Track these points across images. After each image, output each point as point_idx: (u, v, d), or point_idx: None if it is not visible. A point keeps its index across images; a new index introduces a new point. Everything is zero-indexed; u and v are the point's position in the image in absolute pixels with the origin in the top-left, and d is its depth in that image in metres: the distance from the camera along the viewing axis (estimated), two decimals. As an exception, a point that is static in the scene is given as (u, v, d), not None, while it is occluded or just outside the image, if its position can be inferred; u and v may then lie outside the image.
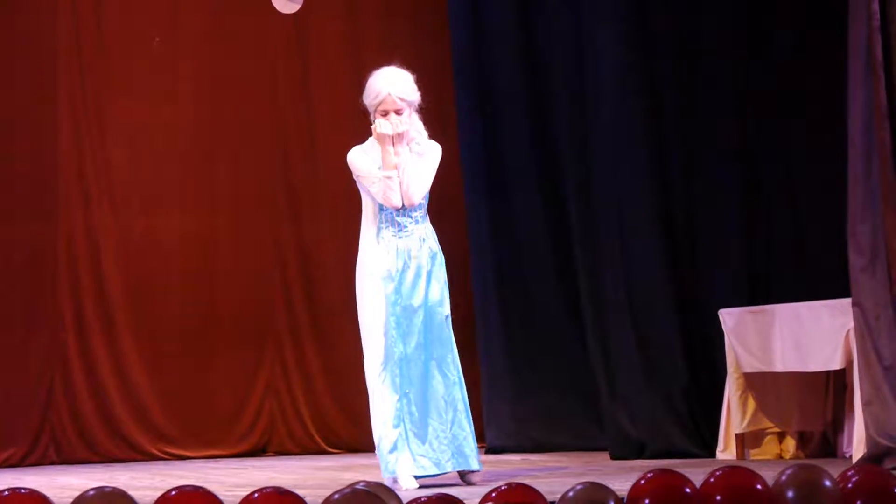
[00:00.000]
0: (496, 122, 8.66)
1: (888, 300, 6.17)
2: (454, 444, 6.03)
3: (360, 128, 9.58)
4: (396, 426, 5.94)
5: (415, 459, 5.96)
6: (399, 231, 6.12)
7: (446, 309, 6.17)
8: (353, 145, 9.59)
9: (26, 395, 8.72)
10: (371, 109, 6.20)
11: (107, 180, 9.05)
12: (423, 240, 6.15)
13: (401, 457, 5.93)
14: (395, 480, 5.90)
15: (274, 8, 6.14)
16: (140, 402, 8.98)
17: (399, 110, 6.13)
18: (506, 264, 8.73)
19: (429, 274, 6.12)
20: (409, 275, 6.07)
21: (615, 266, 8.14)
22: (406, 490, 5.73)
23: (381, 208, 6.13)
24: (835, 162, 6.75)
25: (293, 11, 6.16)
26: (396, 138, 6.13)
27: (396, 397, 5.96)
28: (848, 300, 6.47)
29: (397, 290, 6.04)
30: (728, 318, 7.63)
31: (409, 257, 6.09)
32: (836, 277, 6.78)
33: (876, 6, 6.18)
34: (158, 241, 9.15)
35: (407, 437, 5.96)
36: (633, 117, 8.18)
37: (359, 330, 6.17)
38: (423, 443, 5.98)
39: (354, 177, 6.24)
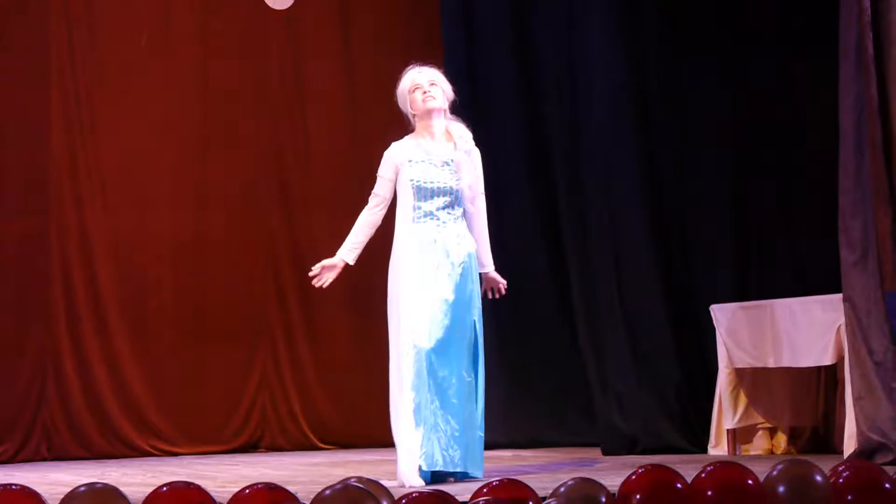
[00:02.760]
0: (488, 122, 8.66)
1: (879, 295, 6.18)
2: (466, 445, 5.92)
3: (352, 124, 9.61)
4: (418, 422, 5.83)
5: (432, 454, 5.83)
6: (437, 225, 6.04)
7: (476, 312, 6.08)
8: (346, 141, 9.63)
9: (18, 391, 8.71)
10: (408, 101, 6.13)
11: (99, 177, 9.03)
12: (459, 237, 6.08)
13: (417, 450, 5.80)
14: (405, 474, 5.80)
15: (266, 5, 6.13)
16: (132, 399, 8.97)
17: (432, 83, 6.08)
18: (498, 262, 8.72)
19: (463, 272, 6.04)
20: (444, 270, 5.98)
21: (607, 263, 8.16)
22: (411, 486, 5.68)
23: (419, 199, 6.04)
24: (826, 157, 6.76)
25: (285, 8, 6.14)
26: (435, 112, 6.08)
27: (425, 388, 5.85)
28: (839, 296, 6.48)
29: (431, 285, 5.94)
30: (720, 313, 7.64)
31: (447, 254, 6.02)
32: (828, 273, 6.79)
33: (867, 3, 6.19)
34: (151, 238, 9.14)
35: (428, 430, 5.83)
36: (624, 117, 8.20)
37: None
38: (443, 438, 5.85)
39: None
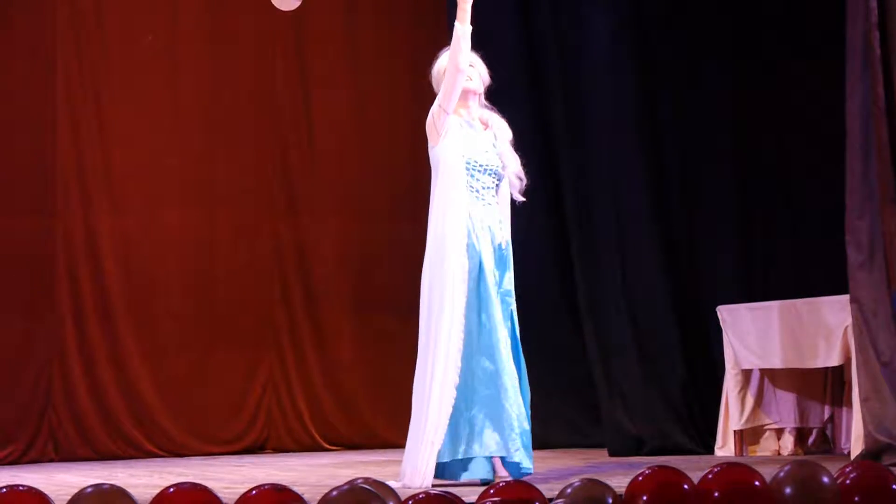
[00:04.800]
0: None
1: (886, 296, 6.17)
2: (517, 433, 5.76)
3: (358, 123, 9.61)
4: (463, 409, 5.70)
5: (484, 441, 5.70)
6: (485, 205, 5.93)
7: (513, 301, 5.97)
8: (352, 142, 9.62)
9: (25, 392, 8.71)
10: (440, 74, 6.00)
11: (106, 177, 9.04)
12: (501, 221, 6.00)
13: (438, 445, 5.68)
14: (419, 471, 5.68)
15: (273, 5, 6.12)
16: (139, 400, 8.97)
17: (471, 64, 6.00)
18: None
19: (505, 258, 5.96)
20: (488, 252, 5.87)
21: (613, 263, 8.16)
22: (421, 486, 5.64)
23: (469, 176, 5.87)
24: (833, 158, 6.76)
25: (292, 9, 6.14)
26: (472, 94, 6.01)
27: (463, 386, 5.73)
28: (846, 297, 6.47)
29: (479, 267, 5.82)
30: (726, 314, 7.64)
31: (493, 234, 5.92)
32: (835, 274, 6.78)
33: (874, 2, 6.18)
34: (157, 238, 9.14)
35: (472, 419, 5.72)
36: (630, 116, 8.20)
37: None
38: (494, 426, 5.71)
39: (431, 127, 5.91)
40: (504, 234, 6.01)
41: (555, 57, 8.56)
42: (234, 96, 9.37)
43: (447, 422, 5.72)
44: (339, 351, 9.45)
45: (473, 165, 5.95)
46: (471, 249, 5.86)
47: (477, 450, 5.75)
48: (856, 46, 6.26)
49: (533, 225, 8.76)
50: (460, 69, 5.87)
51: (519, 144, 8.79)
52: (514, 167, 6.08)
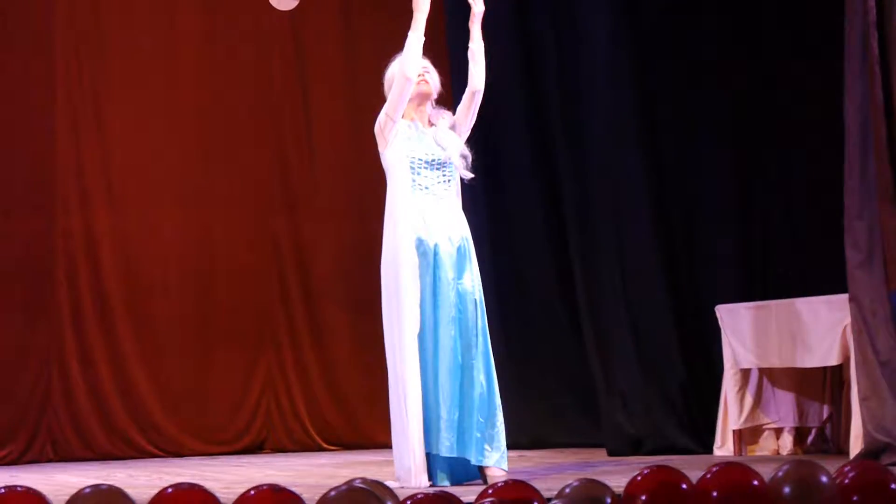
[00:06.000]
0: (492, 122, 8.67)
1: (885, 295, 6.17)
2: (463, 430, 5.79)
3: (355, 124, 9.61)
4: (430, 412, 5.75)
5: (440, 443, 5.75)
6: (437, 200, 5.91)
7: (476, 300, 5.89)
8: (350, 142, 9.62)
9: (24, 392, 8.71)
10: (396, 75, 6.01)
11: (104, 178, 9.04)
12: (458, 217, 5.96)
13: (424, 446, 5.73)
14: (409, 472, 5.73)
15: (271, 5, 6.12)
16: (137, 400, 8.98)
17: (426, 69, 6.02)
18: (503, 262, 8.73)
19: (463, 253, 5.90)
20: (445, 247, 5.84)
21: (611, 262, 8.16)
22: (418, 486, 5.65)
23: (414, 174, 5.89)
24: (831, 157, 6.75)
25: (290, 9, 6.13)
26: (425, 97, 6.01)
27: (424, 377, 5.77)
28: (845, 296, 6.47)
29: (433, 263, 5.82)
30: (725, 313, 7.64)
31: (450, 232, 5.87)
32: (833, 273, 6.78)
33: (872, 2, 6.18)
34: (156, 239, 9.15)
35: (437, 422, 5.75)
36: (628, 118, 8.20)
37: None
38: (452, 429, 5.75)
39: (381, 124, 5.96)
40: (461, 231, 5.95)
41: (552, 58, 8.56)
42: (232, 97, 9.37)
43: (421, 420, 5.76)
44: (337, 351, 9.45)
45: (417, 164, 5.93)
46: (422, 247, 5.85)
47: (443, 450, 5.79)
48: (854, 47, 6.26)
49: (532, 227, 8.77)
50: (409, 78, 5.90)
51: (517, 145, 8.84)
52: (454, 147, 6.01)
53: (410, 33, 5.95)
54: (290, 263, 9.46)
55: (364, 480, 3.87)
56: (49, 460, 8.69)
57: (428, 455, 5.81)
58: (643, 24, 8.22)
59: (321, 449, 9.28)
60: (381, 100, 5.99)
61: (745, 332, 7.48)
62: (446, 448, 5.78)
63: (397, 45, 9.42)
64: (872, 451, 6.16)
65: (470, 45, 6.13)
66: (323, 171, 9.54)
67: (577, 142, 8.39)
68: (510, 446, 8.38)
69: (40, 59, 8.90)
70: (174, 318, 9.15)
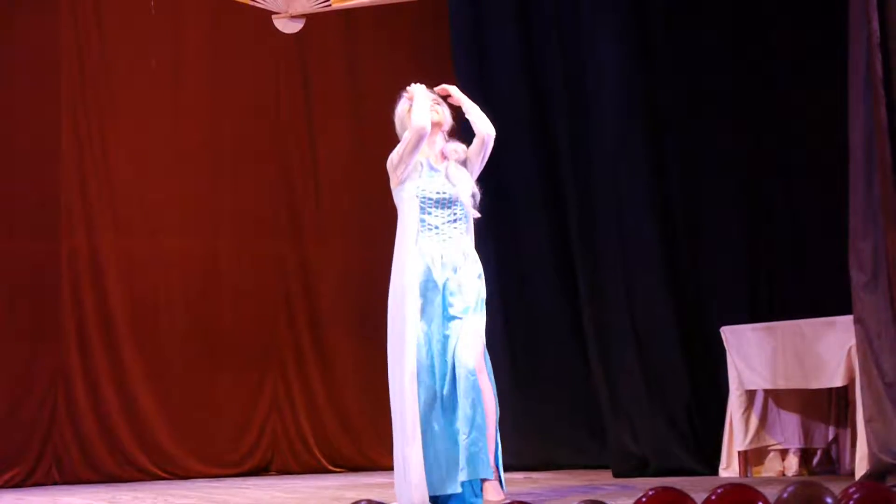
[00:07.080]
0: (498, 139, 8.68)
1: (890, 317, 6.17)
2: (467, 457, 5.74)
3: (360, 147, 9.63)
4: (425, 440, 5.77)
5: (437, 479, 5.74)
6: (443, 239, 5.86)
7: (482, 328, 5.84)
8: (355, 165, 9.64)
9: (29, 415, 8.72)
10: (406, 118, 6.03)
11: (109, 199, 9.06)
12: (465, 255, 5.89)
13: (423, 477, 5.73)
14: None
15: (276, 28, 6.15)
16: (143, 422, 8.98)
17: (437, 101, 6.02)
18: (509, 283, 8.74)
19: (467, 292, 5.82)
20: (451, 286, 5.80)
21: (617, 284, 8.17)
22: None
23: (423, 214, 5.85)
24: (836, 178, 6.76)
25: (295, 32, 6.17)
26: (437, 128, 5.99)
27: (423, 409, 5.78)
28: (850, 317, 6.47)
29: (437, 302, 5.79)
30: (730, 335, 7.64)
31: (455, 270, 5.84)
32: (838, 294, 6.78)
33: (876, 24, 6.19)
34: (161, 260, 9.17)
35: (433, 451, 5.76)
36: (634, 132, 8.21)
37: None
38: (446, 457, 5.76)
39: (392, 166, 5.94)
40: (469, 270, 5.85)
41: (557, 70, 8.57)
42: (237, 117, 9.41)
43: (420, 442, 5.78)
44: (343, 373, 9.46)
45: (426, 202, 5.90)
46: (427, 291, 5.82)
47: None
48: (858, 66, 6.27)
49: (539, 251, 8.77)
50: (421, 134, 5.85)
51: (523, 162, 8.83)
52: (464, 184, 5.97)
53: (416, 122, 5.87)
54: (296, 286, 9.47)
55: (369, 502, 3.88)
56: (55, 482, 8.69)
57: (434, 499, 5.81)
58: (649, 32, 8.25)
59: (326, 471, 9.28)
60: (385, 123, 6.01)
61: (750, 354, 7.48)
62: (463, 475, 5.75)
63: (401, 65, 9.51)
64: (878, 473, 6.15)
65: (466, 116, 6.12)
66: (328, 192, 9.57)
67: (582, 160, 8.38)
68: (517, 467, 8.43)
69: (46, 81, 8.93)
70: (179, 340, 9.16)
